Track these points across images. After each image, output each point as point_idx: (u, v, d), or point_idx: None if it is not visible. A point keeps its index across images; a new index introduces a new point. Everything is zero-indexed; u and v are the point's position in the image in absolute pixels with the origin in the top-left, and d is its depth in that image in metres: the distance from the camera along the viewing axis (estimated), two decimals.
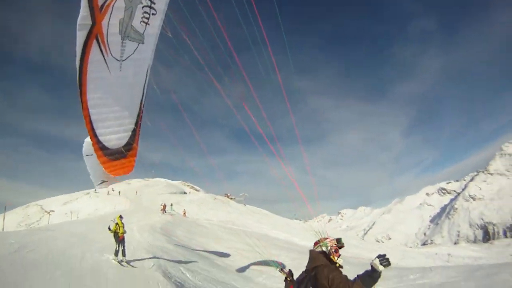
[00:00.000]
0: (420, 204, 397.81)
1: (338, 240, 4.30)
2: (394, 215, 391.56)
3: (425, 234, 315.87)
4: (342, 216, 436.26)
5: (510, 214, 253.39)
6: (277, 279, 14.69)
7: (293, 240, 36.08)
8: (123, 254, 12.32)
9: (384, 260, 3.54)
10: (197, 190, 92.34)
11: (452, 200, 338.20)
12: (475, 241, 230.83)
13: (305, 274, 4.24)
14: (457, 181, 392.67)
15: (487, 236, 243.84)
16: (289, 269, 5.32)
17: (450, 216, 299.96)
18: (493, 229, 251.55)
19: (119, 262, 11.84)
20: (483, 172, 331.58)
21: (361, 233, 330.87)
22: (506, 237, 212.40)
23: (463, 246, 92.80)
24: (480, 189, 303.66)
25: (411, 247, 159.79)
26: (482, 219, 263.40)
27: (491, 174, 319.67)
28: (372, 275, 3.58)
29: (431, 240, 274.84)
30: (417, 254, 56.17)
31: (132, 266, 11.76)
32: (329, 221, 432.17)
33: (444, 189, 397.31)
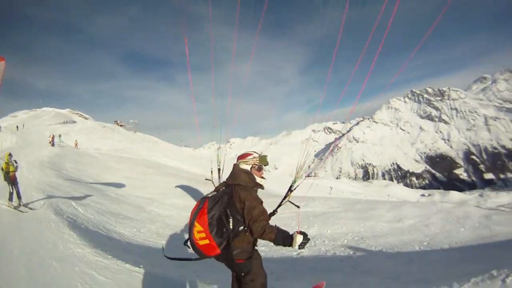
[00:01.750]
0: (306, 139, 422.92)
1: (262, 158, 3.95)
2: (280, 146, 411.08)
3: (309, 167, 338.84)
4: (231, 144, 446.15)
5: (389, 159, 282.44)
6: (167, 207, 14.89)
7: (182, 167, 36.33)
8: (19, 197, 11.35)
9: (304, 244, 3.42)
10: (86, 119, 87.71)
11: (336, 139, 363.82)
12: (355, 178, 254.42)
13: (223, 187, 3.76)
14: (343, 123, 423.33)
15: (366, 175, 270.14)
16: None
17: (333, 153, 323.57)
18: (373, 170, 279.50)
19: (16, 208, 10.83)
20: (368, 119, 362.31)
21: None
22: (384, 178, 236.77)
23: (344, 181, 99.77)
24: (364, 133, 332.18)
25: None
26: (363, 160, 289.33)
27: (375, 122, 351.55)
28: (285, 241, 3.44)
29: (315, 173, 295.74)
30: (302, 184, 60.27)
31: (31, 208, 10.96)
32: (218, 149, 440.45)
33: (330, 128, 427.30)
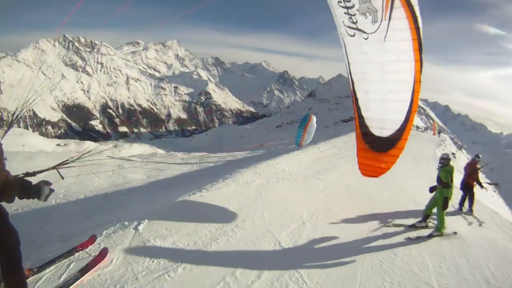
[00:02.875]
0: None
1: None
2: None
3: None
4: None
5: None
6: None
7: None
8: None
9: (49, 195, 3.33)
10: None
11: None
12: None
13: None
14: None
15: (1, 121, 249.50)
16: None
17: None
18: (8, 116, 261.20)
19: None
20: (12, 56, 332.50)
21: None
22: (20, 126, 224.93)
23: None
24: (4, 72, 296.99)
25: None
26: None
27: (18, 61, 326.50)
28: (32, 194, 3.22)
29: None
30: None
31: None
32: None
33: None
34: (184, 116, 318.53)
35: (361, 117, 7.13)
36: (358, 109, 7.13)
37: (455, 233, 8.00)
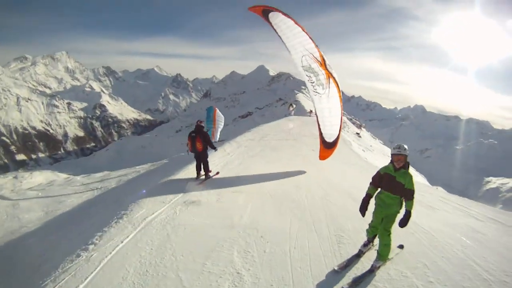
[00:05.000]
0: None
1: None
2: None
3: None
4: None
5: None
6: None
7: None
8: None
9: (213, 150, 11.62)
10: None
11: None
12: None
13: (195, 131, 10.56)
14: None
15: None
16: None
17: None
18: None
19: None
20: None
21: None
22: None
23: None
24: None
25: None
26: None
27: None
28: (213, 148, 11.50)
29: None
30: None
31: None
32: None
33: None
34: (81, 133, 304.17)
35: (321, 134, 13.04)
36: (320, 128, 12.95)
37: (401, 246, 6.34)
